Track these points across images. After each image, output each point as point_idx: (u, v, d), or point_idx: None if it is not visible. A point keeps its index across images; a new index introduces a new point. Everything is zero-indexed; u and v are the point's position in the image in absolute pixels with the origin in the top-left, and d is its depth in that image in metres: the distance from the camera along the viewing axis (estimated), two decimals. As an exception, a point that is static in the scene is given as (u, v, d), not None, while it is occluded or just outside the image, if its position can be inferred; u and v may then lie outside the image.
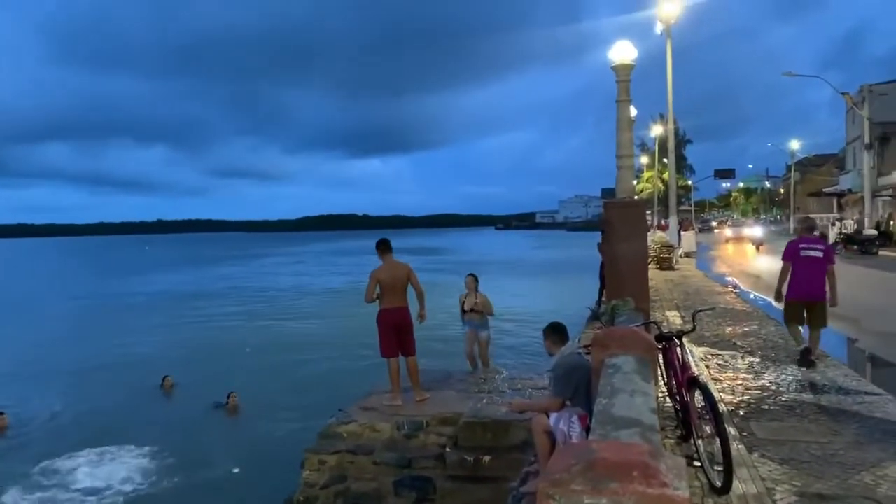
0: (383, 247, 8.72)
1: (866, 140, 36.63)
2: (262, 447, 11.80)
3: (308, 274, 58.03)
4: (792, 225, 56.82)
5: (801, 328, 8.54)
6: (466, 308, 10.46)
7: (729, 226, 71.71)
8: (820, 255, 8.32)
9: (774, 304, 9.30)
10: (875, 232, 33.60)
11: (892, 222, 39.23)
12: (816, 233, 9.54)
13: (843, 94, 39.03)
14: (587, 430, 4.35)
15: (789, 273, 8.45)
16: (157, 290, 44.12)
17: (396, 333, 8.60)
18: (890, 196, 40.61)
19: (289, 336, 24.16)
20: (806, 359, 8.22)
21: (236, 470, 11.08)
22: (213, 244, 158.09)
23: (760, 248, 39.60)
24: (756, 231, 49.98)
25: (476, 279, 10.60)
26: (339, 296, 35.12)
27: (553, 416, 5.17)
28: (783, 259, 8.60)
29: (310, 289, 42.94)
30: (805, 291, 8.30)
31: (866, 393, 7.07)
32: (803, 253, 8.36)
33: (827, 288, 8.24)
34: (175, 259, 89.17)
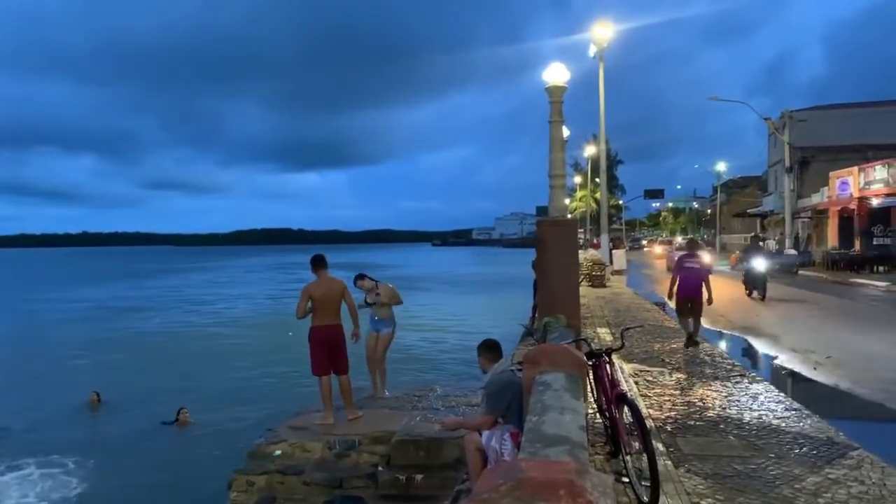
0: (317, 263, 8.59)
1: (787, 164, 38.28)
2: (188, 469, 11.41)
3: (239, 288, 56.85)
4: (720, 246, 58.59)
5: (689, 320, 11.43)
6: (369, 301, 9.51)
7: (676, 248, 39.61)
8: (698, 266, 11.51)
9: (668, 302, 12.11)
10: (795, 252, 35.03)
11: (811, 244, 41.00)
12: (697, 252, 12.65)
13: (765, 119, 40.74)
14: (519, 446, 4.36)
15: (677, 280, 11.42)
16: (82, 303, 42.50)
17: (328, 351, 8.43)
18: (809, 217, 42.49)
19: (220, 352, 23.51)
20: (691, 341, 11.26)
21: (157, 494, 10.67)
22: (142, 257, 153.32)
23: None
24: (758, 263, 22.05)
25: (365, 277, 9.71)
26: (273, 311, 34.51)
27: (485, 433, 5.17)
28: (672, 270, 11.62)
29: (242, 303, 42.07)
30: (688, 293, 11.33)
31: (786, 408, 7.33)
32: (686, 265, 11.50)
33: (704, 289, 11.18)
34: (101, 273, 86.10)
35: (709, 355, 10.73)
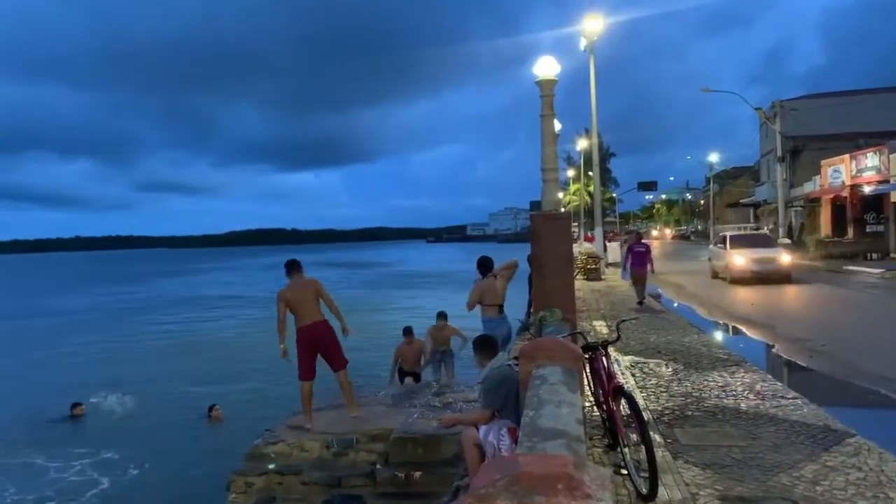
0: (289, 266, 8.38)
1: (779, 153, 38.33)
2: (206, 465, 11.41)
3: (241, 287, 56.76)
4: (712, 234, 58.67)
5: (638, 287, 16.36)
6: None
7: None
8: (643, 249, 16.29)
9: (622, 275, 17.82)
10: (788, 241, 35.10)
11: (803, 232, 41.06)
12: (643, 240, 17.86)
13: (756, 109, 40.73)
14: (517, 441, 4.35)
15: (629, 258, 16.46)
16: (76, 312, 42.37)
17: (314, 351, 8.18)
18: (801, 206, 42.54)
19: (223, 354, 23.50)
20: (640, 304, 16.02)
21: (166, 487, 10.69)
22: (137, 261, 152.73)
23: None
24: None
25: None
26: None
27: (483, 428, 5.16)
28: (626, 252, 17.33)
29: (243, 302, 42.00)
30: (637, 268, 16.21)
31: (783, 397, 7.33)
32: (635, 249, 16.39)
33: (648, 266, 16.11)
34: (96, 278, 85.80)
35: (704, 345, 10.74)
